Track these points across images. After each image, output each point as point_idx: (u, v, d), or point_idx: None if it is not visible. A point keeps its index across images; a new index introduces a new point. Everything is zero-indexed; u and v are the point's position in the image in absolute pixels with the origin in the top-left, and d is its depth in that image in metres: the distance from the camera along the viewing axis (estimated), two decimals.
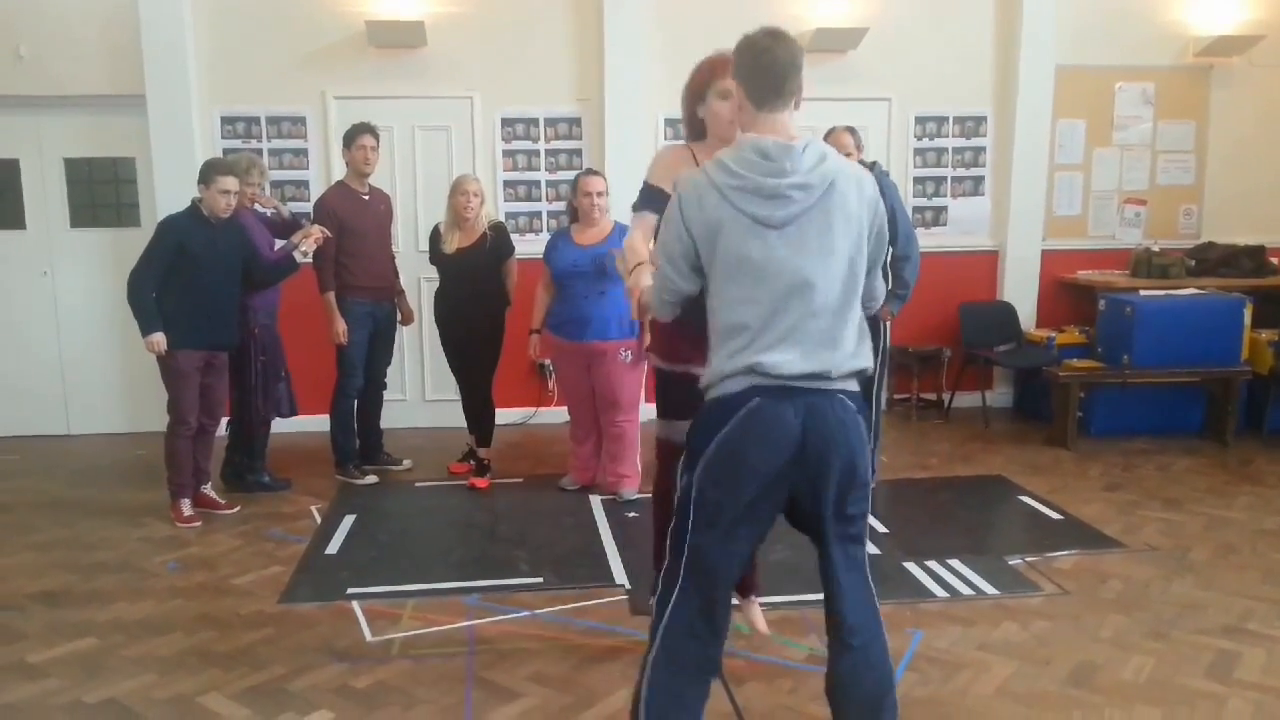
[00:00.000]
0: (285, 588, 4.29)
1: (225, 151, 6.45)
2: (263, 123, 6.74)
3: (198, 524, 5.09)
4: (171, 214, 5.15)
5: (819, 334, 2.41)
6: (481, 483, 5.68)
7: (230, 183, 5.01)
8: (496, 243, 5.56)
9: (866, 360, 2.49)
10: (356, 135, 5.63)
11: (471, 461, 5.86)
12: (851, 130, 5.19)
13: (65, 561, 4.63)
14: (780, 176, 2.39)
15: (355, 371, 5.72)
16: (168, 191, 6.23)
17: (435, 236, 5.69)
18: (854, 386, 2.49)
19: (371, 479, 5.83)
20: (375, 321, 5.77)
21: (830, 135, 5.21)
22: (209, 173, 5.02)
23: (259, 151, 6.63)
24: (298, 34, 6.63)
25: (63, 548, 4.82)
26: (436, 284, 5.82)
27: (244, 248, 5.21)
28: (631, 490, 5.38)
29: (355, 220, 5.60)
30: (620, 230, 5.21)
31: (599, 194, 5.25)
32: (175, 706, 3.31)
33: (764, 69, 2.47)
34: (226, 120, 6.71)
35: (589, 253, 5.19)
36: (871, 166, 5.25)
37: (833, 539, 2.49)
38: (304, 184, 6.75)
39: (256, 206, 5.60)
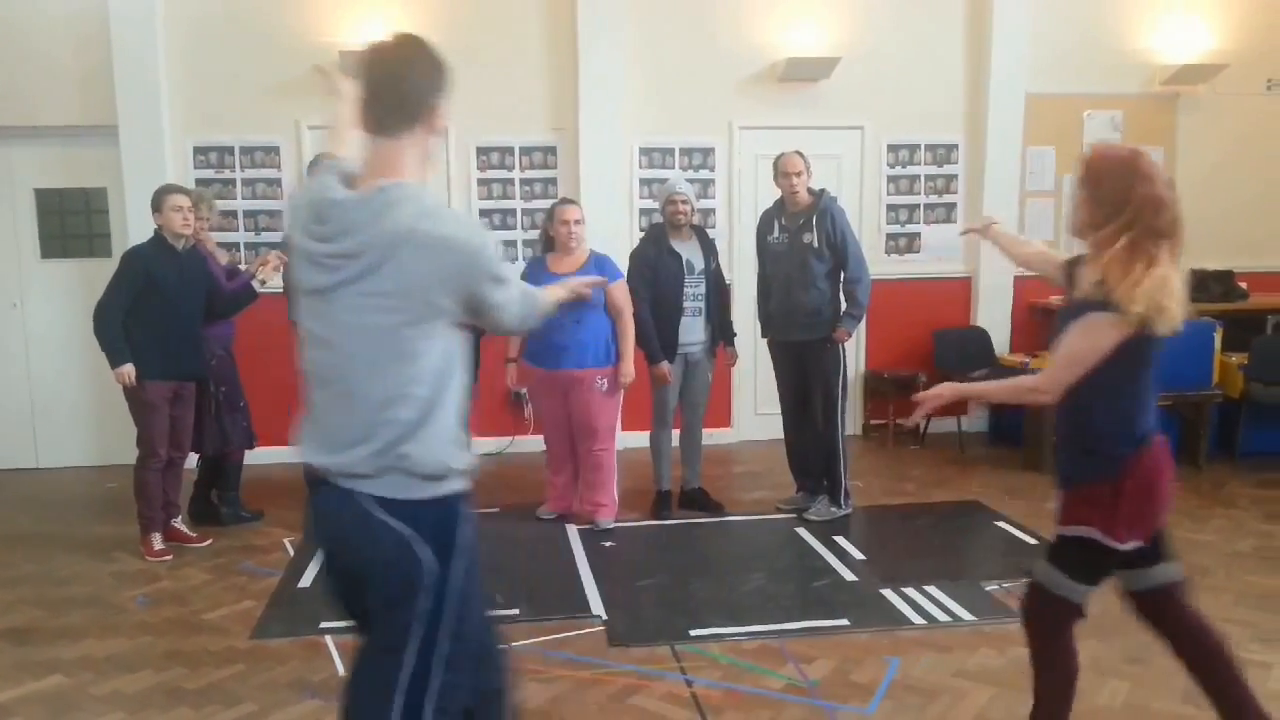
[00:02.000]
0: (257, 622, 4.24)
1: (198, 181, 6.46)
2: (236, 152, 6.71)
3: (169, 558, 5.03)
4: (135, 245, 5.13)
5: (340, 426, 2.07)
6: None
7: (181, 199, 5.00)
8: None
9: (405, 465, 2.05)
10: (313, 166, 5.60)
11: None
12: (799, 153, 5.33)
13: (33, 597, 4.56)
14: (324, 241, 2.05)
15: None
16: (140, 222, 6.11)
17: None
18: (397, 490, 2.06)
19: None
20: None
21: (780, 159, 5.34)
22: (158, 197, 5.02)
23: (231, 182, 6.61)
24: (271, 64, 6.62)
25: (31, 583, 4.74)
26: None
27: (207, 277, 5.19)
28: (608, 519, 5.36)
29: None
30: (595, 259, 5.22)
31: (576, 222, 5.24)
32: None
33: (367, 79, 2.14)
34: (199, 150, 6.68)
35: (565, 281, 5.18)
36: (820, 194, 5.34)
37: (368, 642, 2.23)
38: (277, 214, 6.71)
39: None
